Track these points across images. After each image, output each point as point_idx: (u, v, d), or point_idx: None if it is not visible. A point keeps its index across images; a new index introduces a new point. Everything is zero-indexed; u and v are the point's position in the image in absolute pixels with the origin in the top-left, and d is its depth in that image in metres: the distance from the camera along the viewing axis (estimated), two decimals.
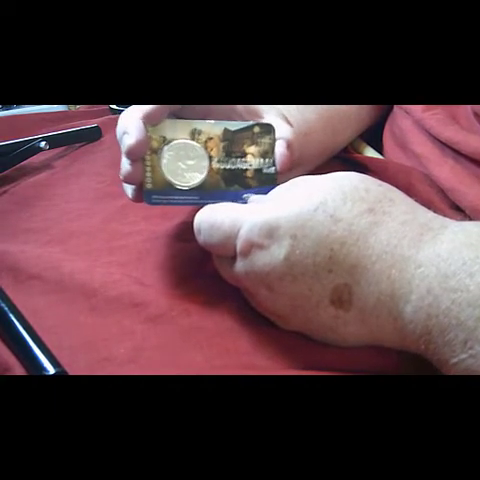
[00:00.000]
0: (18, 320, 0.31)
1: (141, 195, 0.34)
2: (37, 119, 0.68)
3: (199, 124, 0.34)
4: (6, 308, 0.31)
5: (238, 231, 0.29)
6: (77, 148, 0.63)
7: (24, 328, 0.30)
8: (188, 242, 0.40)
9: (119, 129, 0.33)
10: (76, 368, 0.28)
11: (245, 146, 0.35)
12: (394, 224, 0.27)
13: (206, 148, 0.34)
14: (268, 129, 0.35)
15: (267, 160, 0.35)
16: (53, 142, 0.59)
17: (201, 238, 0.31)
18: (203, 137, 0.34)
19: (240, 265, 0.30)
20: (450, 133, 0.40)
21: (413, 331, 0.26)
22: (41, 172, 0.57)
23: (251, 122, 0.36)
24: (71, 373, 0.28)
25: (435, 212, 0.29)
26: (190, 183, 0.34)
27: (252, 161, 0.35)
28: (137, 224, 0.44)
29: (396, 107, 0.50)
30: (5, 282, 0.35)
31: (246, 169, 0.35)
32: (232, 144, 0.35)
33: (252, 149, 0.35)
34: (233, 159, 0.35)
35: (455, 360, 0.25)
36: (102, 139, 0.63)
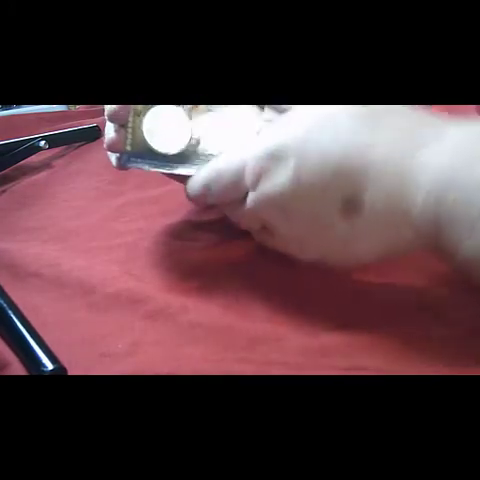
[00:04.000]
0: (17, 317, 0.31)
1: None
2: (36, 119, 0.68)
3: None
4: (5, 305, 0.32)
5: (246, 164, 0.30)
6: (76, 147, 0.64)
7: (23, 325, 0.30)
8: (186, 240, 0.40)
9: None
10: (74, 364, 0.28)
11: None
12: (394, 132, 0.28)
13: (191, 118, 0.33)
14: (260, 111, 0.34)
15: None
16: (53, 141, 0.60)
17: (211, 192, 0.32)
18: (189, 105, 0.33)
19: (252, 197, 0.30)
20: None
21: (425, 228, 0.27)
22: (41, 171, 0.58)
23: None
24: (70, 369, 0.28)
25: None
26: (168, 149, 0.33)
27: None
28: (136, 222, 0.44)
29: None
30: (4, 279, 0.35)
31: None
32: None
33: None
34: None
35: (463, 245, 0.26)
36: (101, 139, 0.63)
